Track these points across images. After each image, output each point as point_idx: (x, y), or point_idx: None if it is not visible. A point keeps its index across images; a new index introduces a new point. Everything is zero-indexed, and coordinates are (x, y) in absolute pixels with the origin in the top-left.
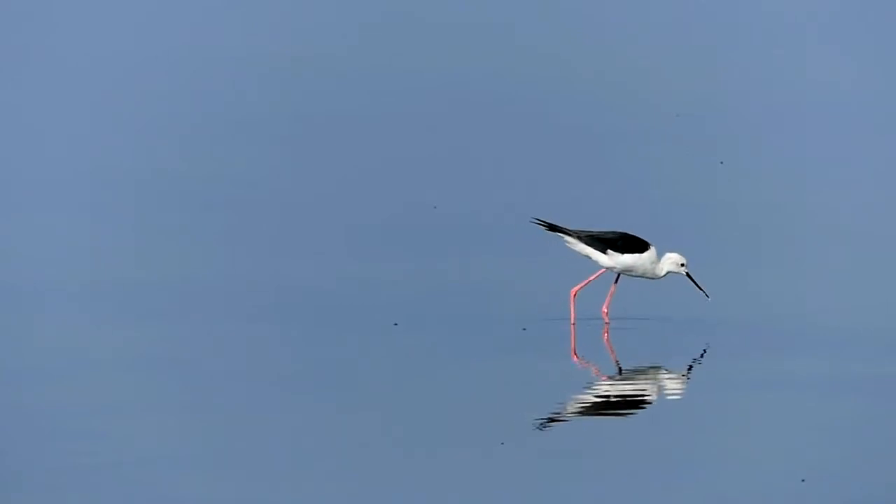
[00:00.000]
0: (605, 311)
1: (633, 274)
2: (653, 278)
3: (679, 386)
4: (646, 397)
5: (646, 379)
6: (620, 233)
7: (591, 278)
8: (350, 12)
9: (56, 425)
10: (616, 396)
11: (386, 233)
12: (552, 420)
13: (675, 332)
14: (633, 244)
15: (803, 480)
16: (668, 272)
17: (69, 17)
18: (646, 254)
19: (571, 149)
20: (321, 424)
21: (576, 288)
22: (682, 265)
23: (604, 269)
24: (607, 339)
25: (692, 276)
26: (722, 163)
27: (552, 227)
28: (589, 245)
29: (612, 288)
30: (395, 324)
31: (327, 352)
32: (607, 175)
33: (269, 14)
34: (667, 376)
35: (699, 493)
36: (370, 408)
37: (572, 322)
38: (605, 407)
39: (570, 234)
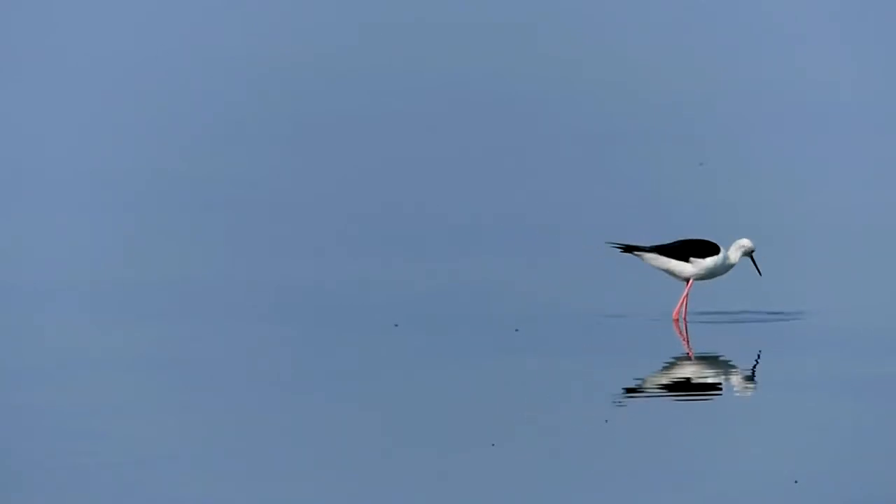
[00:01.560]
0: (682, 315)
1: (709, 276)
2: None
3: (679, 386)
4: (645, 397)
5: (645, 379)
6: (689, 239)
7: (684, 296)
8: (350, 12)
9: (56, 425)
10: (616, 396)
11: (386, 233)
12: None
13: (674, 331)
14: (707, 248)
15: (796, 482)
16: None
17: (69, 17)
18: (720, 255)
19: (572, 149)
20: (321, 424)
21: (675, 312)
22: (752, 251)
23: (689, 282)
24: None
25: (755, 260)
26: (701, 164)
27: (628, 249)
28: (671, 258)
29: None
30: (396, 324)
31: (327, 352)
32: (607, 175)
33: (269, 14)
34: (666, 376)
35: (699, 493)
36: (370, 408)
37: (686, 341)
38: (606, 406)
39: (648, 252)
